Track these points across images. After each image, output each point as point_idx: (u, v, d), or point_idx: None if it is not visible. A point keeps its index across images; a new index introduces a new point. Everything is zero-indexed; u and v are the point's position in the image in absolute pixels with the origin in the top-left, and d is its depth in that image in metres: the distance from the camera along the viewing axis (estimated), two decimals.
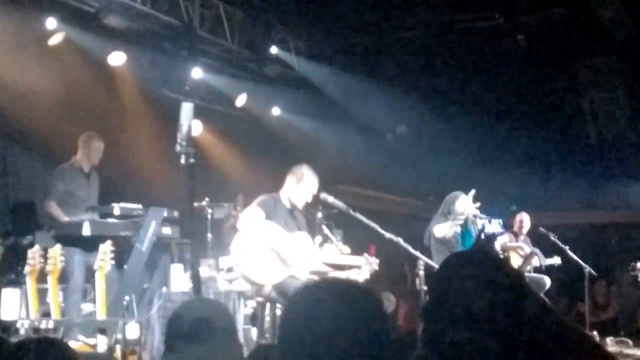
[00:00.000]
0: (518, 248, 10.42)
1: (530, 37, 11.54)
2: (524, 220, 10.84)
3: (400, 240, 6.81)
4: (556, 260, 10.62)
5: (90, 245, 7.57)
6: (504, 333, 2.09)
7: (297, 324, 1.95)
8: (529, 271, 10.26)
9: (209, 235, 9.39)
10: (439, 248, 8.74)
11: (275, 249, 6.65)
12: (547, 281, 10.11)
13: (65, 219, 8.08)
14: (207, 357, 2.85)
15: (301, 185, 6.97)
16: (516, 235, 10.81)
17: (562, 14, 11.18)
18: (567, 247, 10.40)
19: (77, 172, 8.54)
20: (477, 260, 2.23)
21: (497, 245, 10.01)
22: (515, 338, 2.09)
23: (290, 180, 7.03)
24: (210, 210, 9.50)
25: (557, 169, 14.66)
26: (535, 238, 10.84)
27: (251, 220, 6.69)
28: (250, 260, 6.65)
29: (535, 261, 10.42)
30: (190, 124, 4.89)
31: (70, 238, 7.60)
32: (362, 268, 7.09)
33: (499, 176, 14.37)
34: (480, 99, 13.93)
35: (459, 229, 8.72)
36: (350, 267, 7.15)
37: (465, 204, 8.81)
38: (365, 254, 7.08)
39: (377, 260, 7.08)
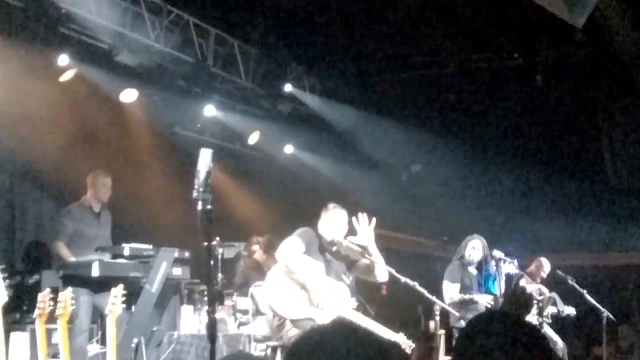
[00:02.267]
0: (536, 291, 10.17)
1: (549, 78, 11.42)
2: (542, 265, 10.62)
3: (416, 284, 6.65)
4: (571, 310, 10.41)
5: (98, 286, 7.44)
6: None
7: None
8: (547, 318, 10.03)
9: (220, 276, 9.23)
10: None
11: (308, 288, 6.45)
12: (561, 346, 9.93)
13: (72, 259, 7.92)
14: None
15: (334, 222, 6.80)
16: (533, 278, 10.59)
17: (582, 54, 11.08)
18: (584, 291, 10.16)
19: (87, 211, 8.35)
20: (502, 320, 2.25)
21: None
22: None
23: (323, 217, 6.88)
24: (220, 250, 9.34)
25: (575, 211, 14.46)
26: (553, 281, 10.61)
27: (290, 252, 6.51)
28: (279, 291, 6.48)
29: (554, 307, 10.20)
30: (208, 170, 4.82)
31: (79, 278, 7.45)
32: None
33: (515, 217, 14.19)
34: (497, 139, 13.80)
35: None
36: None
37: (476, 248, 8.73)
38: (402, 335, 6.79)
39: (413, 345, 6.79)
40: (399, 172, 14.49)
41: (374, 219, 6.86)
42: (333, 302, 6.54)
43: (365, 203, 13.39)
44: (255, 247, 9.92)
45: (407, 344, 6.61)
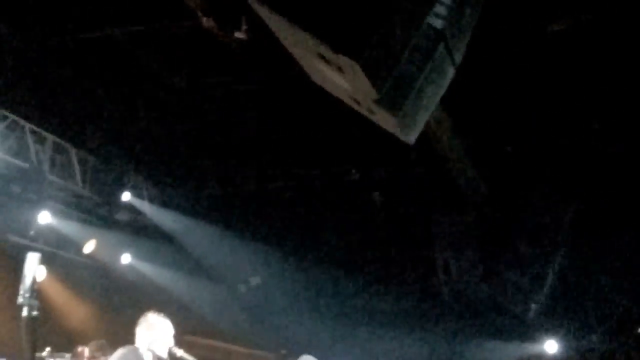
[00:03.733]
0: None
1: (386, 193, 11.83)
2: None
3: None
4: None
5: None
6: None
7: None
8: None
9: None
10: None
11: None
12: None
13: None
14: None
15: (156, 332, 6.62)
16: None
17: (418, 172, 11.47)
18: None
19: None
20: None
21: None
22: None
23: (140, 331, 6.66)
24: None
25: (412, 326, 14.74)
26: None
27: None
28: None
29: None
30: (34, 275, 4.70)
31: None
32: None
33: (353, 331, 14.35)
34: (336, 252, 14.00)
35: None
36: None
37: None
38: None
39: None
40: (237, 284, 14.48)
41: None
42: None
43: (204, 314, 13.34)
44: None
45: None
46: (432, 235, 13.13)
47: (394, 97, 4.56)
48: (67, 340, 10.41)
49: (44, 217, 10.71)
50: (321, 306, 14.64)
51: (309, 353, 9.05)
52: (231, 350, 14.41)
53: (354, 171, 11.70)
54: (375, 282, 14.56)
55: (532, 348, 13.95)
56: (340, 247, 13.97)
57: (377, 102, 4.58)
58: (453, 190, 11.37)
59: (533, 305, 12.23)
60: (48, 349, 8.85)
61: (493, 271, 12.91)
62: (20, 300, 4.61)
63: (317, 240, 13.80)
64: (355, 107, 4.95)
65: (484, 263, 12.90)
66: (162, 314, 6.67)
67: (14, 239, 10.79)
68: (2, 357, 7.55)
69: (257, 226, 13.25)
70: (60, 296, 11.69)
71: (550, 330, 13.52)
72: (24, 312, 4.61)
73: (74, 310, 12.03)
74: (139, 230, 12.36)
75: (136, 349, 6.52)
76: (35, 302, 4.62)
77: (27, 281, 4.70)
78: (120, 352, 6.45)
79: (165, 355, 6.58)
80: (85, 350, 9.81)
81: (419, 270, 14.17)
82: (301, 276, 14.12)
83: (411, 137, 5.15)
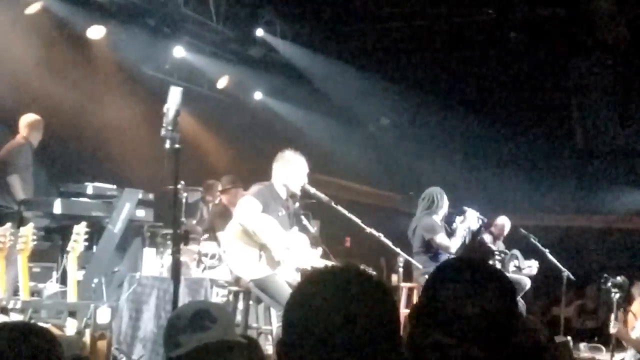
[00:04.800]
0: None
1: (522, 35, 11.33)
2: (505, 224, 10.67)
3: (381, 235, 6.63)
4: (534, 264, 10.42)
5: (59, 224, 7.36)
6: (491, 341, 2.04)
7: (303, 310, 1.83)
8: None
9: (183, 219, 9.11)
10: (427, 247, 8.51)
11: (269, 246, 6.31)
12: (528, 282, 9.95)
13: (22, 195, 7.96)
14: (215, 340, 2.89)
15: (292, 170, 6.65)
16: (494, 237, 10.63)
17: (555, 13, 10.98)
18: (546, 250, 10.23)
19: (31, 148, 8.46)
20: (471, 266, 2.18)
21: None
22: (501, 346, 2.06)
23: (277, 167, 6.70)
24: (185, 195, 9.21)
25: (542, 171, 14.50)
26: (516, 239, 10.67)
27: (247, 213, 6.34)
28: (237, 252, 6.35)
29: (514, 264, 10.24)
30: (177, 108, 4.70)
31: (40, 216, 7.34)
32: None
33: (482, 175, 14.21)
34: (468, 95, 13.72)
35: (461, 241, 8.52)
36: None
37: (447, 202, 8.67)
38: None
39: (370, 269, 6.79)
40: (367, 124, 14.40)
41: None
42: (296, 256, 6.47)
43: (334, 153, 13.39)
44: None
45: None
46: (569, 79, 12.68)
47: None
48: (201, 175, 10.68)
49: (179, 51, 10.78)
50: (451, 148, 14.45)
51: None
52: (360, 190, 14.52)
53: (490, 11, 11.20)
54: (507, 126, 14.23)
55: None
56: (473, 89, 13.65)
57: None
58: (593, 33, 10.90)
59: None
60: (182, 182, 9.07)
61: (631, 117, 12.54)
62: (163, 132, 4.66)
63: (449, 81, 13.47)
64: None
65: (622, 108, 12.47)
66: (298, 152, 6.69)
67: (149, 72, 10.94)
68: (137, 188, 7.77)
69: (389, 66, 12.98)
70: (194, 131, 11.91)
71: None
72: (167, 145, 4.65)
73: (208, 144, 12.27)
74: (272, 67, 12.29)
75: (271, 185, 6.62)
76: (178, 135, 4.64)
77: (170, 114, 4.72)
78: (256, 187, 6.57)
79: (298, 191, 6.66)
80: (217, 184, 10.07)
81: (553, 115, 13.77)
82: (432, 118, 13.91)
83: None
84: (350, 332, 1.78)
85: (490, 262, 8.78)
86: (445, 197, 8.70)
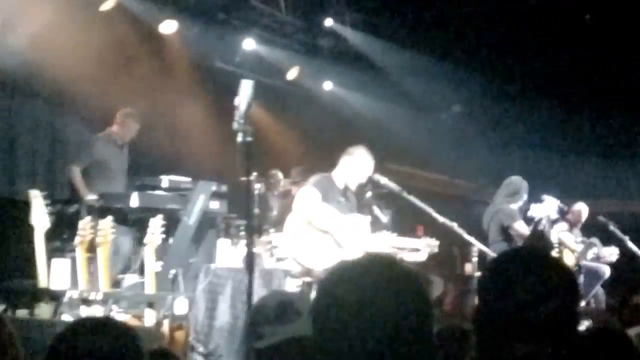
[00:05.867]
0: (573, 250, 9.92)
1: (597, 18, 11.05)
2: (583, 211, 10.43)
3: (454, 225, 6.61)
4: (614, 251, 10.17)
5: (136, 216, 7.50)
6: (565, 342, 2.01)
7: (331, 300, 1.79)
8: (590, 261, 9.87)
9: (256, 211, 9.20)
10: (505, 236, 8.41)
11: (330, 231, 6.41)
12: (607, 270, 9.75)
13: (83, 190, 8.16)
14: (299, 333, 2.84)
15: (357, 167, 6.73)
16: (572, 225, 10.40)
17: None
18: (627, 237, 10.00)
19: (112, 143, 8.63)
20: (535, 264, 2.10)
21: (555, 233, 9.60)
22: (572, 346, 2.03)
23: (345, 161, 6.78)
24: (257, 185, 9.29)
25: (619, 156, 14.16)
26: (594, 226, 10.42)
27: (307, 202, 6.44)
28: (303, 244, 6.43)
29: (594, 252, 10.02)
30: (249, 101, 4.74)
31: (117, 209, 7.49)
32: (421, 250, 6.84)
33: (557, 161, 13.94)
34: (541, 81, 13.45)
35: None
36: (408, 249, 6.92)
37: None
38: (425, 237, 6.82)
39: (437, 243, 6.82)
40: (440, 112, 14.26)
41: None
42: (357, 238, 6.52)
43: (405, 142, 13.31)
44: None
45: (432, 246, 6.64)
46: None
47: None
48: (272, 167, 10.75)
49: (249, 44, 10.86)
50: (525, 136, 14.22)
51: None
52: (431, 178, 14.41)
53: None
54: (584, 111, 13.94)
55: None
56: (545, 74, 13.36)
57: None
58: None
59: None
60: (255, 173, 9.14)
61: None
62: (235, 126, 4.70)
63: (521, 67, 13.23)
64: None
65: None
66: (368, 151, 6.71)
67: (220, 65, 11.06)
68: (211, 180, 7.87)
69: (460, 53, 12.82)
70: (264, 122, 11.98)
71: None
72: (239, 138, 4.69)
73: (278, 136, 12.33)
74: (341, 57, 12.28)
75: (330, 177, 6.69)
76: (250, 128, 4.69)
77: (241, 107, 4.77)
78: (315, 178, 6.68)
79: (354, 188, 6.73)
80: (278, 174, 10.17)
81: (631, 99, 13.40)
82: (505, 105, 13.69)
83: None
84: (378, 327, 1.72)
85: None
86: (526, 188, 8.58)
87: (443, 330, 3.21)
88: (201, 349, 6.71)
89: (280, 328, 2.85)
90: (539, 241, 8.42)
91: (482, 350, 2.06)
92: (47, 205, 5.90)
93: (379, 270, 1.81)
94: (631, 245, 9.96)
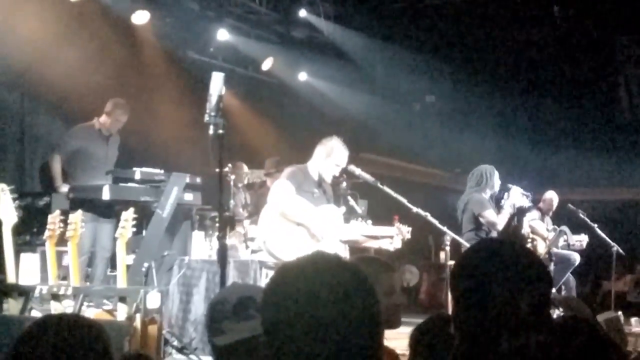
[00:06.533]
0: (545, 238, 10.04)
1: (566, 9, 11.13)
2: (554, 199, 10.57)
3: (428, 214, 6.63)
4: (584, 238, 10.32)
5: (108, 209, 7.47)
6: (543, 332, 2.03)
7: (277, 300, 1.80)
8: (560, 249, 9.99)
9: (231, 203, 9.20)
10: (476, 225, 8.45)
11: (304, 224, 6.43)
12: (577, 257, 9.87)
13: (58, 180, 8.20)
14: (258, 331, 2.76)
15: (331, 159, 6.73)
16: (543, 213, 10.53)
17: None
18: (595, 225, 10.11)
19: (96, 133, 8.47)
20: (506, 257, 2.11)
21: (526, 222, 9.67)
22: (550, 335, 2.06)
23: (319, 152, 6.78)
24: (232, 177, 9.28)
25: (588, 145, 14.29)
26: (564, 215, 10.55)
27: (281, 195, 6.46)
28: (277, 236, 6.45)
29: (564, 239, 10.13)
30: (220, 94, 4.74)
31: (88, 201, 7.45)
32: (394, 238, 6.88)
33: (528, 150, 14.04)
34: (512, 71, 13.56)
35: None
36: (382, 237, 6.95)
37: (498, 179, 8.59)
38: (398, 224, 6.85)
39: (410, 229, 6.86)
40: (413, 102, 14.31)
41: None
42: (331, 228, 6.55)
43: (379, 132, 13.35)
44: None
45: (404, 232, 6.68)
46: (615, 59, 12.46)
47: None
48: (246, 157, 10.73)
49: (222, 34, 10.81)
50: (497, 125, 14.31)
51: None
52: (406, 168, 14.47)
53: None
54: (553, 101, 14.06)
55: None
56: (516, 65, 13.47)
57: None
58: (636, 6, 10.68)
59: None
60: (229, 165, 9.13)
61: None
62: (206, 118, 4.73)
63: (492, 58, 13.32)
64: None
65: None
66: (342, 142, 6.73)
67: (193, 55, 11.00)
68: (184, 172, 7.84)
69: (432, 44, 12.87)
70: (238, 113, 11.95)
71: None
72: (210, 131, 4.72)
73: (252, 127, 12.31)
74: (315, 48, 12.27)
75: (304, 168, 6.71)
76: (221, 121, 4.71)
77: (212, 100, 4.80)
78: (289, 169, 6.70)
79: (329, 180, 6.76)
80: (244, 166, 10.16)
81: (599, 92, 13.55)
82: (477, 94, 13.77)
83: None
84: (323, 340, 1.70)
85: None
86: (496, 176, 8.62)
87: (423, 323, 3.19)
88: (175, 343, 6.69)
89: (240, 325, 2.78)
90: (513, 234, 8.49)
91: (468, 348, 2.06)
92: (15, 199, 5.82)
93: (323, 269, 1.81)
94: (600, 232, 10.07)
